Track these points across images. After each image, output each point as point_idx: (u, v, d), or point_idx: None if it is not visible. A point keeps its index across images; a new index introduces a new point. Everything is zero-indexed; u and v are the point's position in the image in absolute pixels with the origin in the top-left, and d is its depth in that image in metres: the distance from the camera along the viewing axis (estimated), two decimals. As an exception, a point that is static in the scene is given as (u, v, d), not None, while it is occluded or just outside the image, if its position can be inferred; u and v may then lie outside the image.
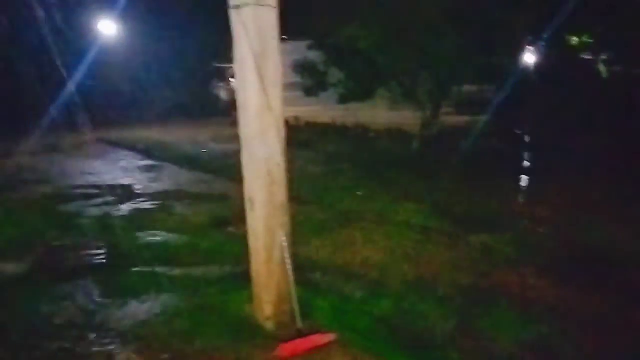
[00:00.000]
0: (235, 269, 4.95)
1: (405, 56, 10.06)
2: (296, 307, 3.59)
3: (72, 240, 6.04)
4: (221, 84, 24.84)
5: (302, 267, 3.72)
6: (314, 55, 13.52)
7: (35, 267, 5.16)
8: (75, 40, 16.38)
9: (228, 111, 21.69)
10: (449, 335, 3.79)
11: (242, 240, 5.69)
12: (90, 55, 15.82)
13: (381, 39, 9.80)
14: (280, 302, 3.67)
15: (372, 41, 9.96)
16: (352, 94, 12.78)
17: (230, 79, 23.08)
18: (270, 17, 3.28)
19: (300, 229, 3.88)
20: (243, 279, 4.37)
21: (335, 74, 13.08)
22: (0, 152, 12.45)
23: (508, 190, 8.50)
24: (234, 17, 3.25)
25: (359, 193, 8.13)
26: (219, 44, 21.47)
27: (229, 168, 11.05)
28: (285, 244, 3.61)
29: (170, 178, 10.32)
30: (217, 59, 21.70)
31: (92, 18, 17.11)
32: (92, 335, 3.77)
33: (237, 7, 3.17)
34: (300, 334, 3.54)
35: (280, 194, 3.59)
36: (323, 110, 17.22)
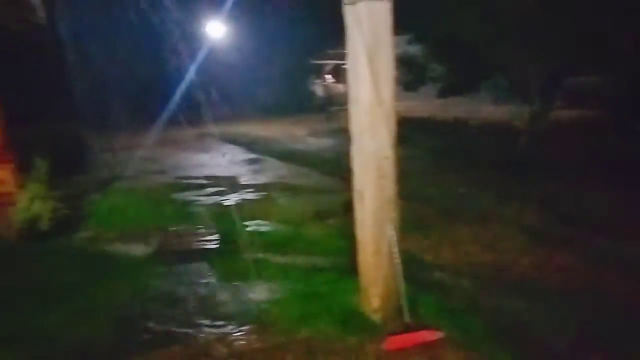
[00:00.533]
0: (338, 260, 5.05)
1: (514, 48, 9.48)
2: (404, 301, 3.59)
3: (187, 227, 6.55)
4: (317, 81, 25.36)
5: (405, 262, 3.69)
6: (414, 50, 13.30)
7: (157, 250, 5.68)
8: (188, 42, 17.66)
9: (323, 107, 22.18)
10: (568, 346, 3.55)
11: (343, 232, 5.86)
12: (201, 56, 16.93)
13: (489, 31, 9.34)
14: (388, 295, 3.69)
15: (478, 34, 9.53)
16: (452, 88, 12.37)
17: (326, 76, 23.48)
18: (383, 12, 3.30)
19: (403, 224, 3.85)
20: (347, 270, 4.47)
21: (435, 68, 12.75)
22: (128, 145, 13.86)
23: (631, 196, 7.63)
24: (348, 12, 3.32)
25: (461, 190, 7.87)
26: (316, 41, 21.97)
27: (325, 162, 11.33)
28: (393, 238, 3.62)
29: (272, 171, 10.78)
30: (313, 56, 22.16)
31: (202, 21, 18.29)
32: (206, 316, 4.06)
33: (352, 2, 3.23)
34: (408, 329, 3.53)
35: (389, 187, 3.60)
36: (421, 105, 16.86)
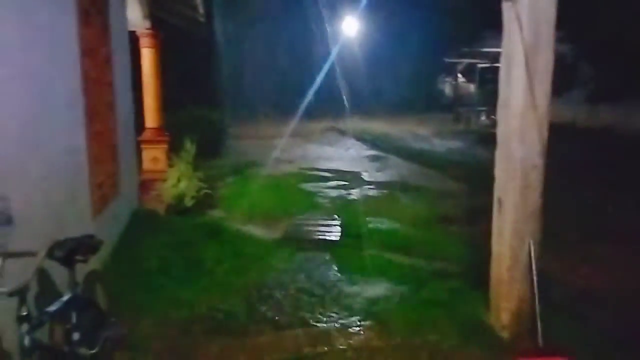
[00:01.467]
0: (462, 268, 4.85)
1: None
2: (538, 322, 3.31)
3: (311, 216, 6.76)
4: (447, 80, 24.52)
5: (542, 280, 3.40)
6: (562, 49, 12.16)
7: (283, 236, 5.94)
8: (323, 39, 18.21)
9: (452, 107, 21.38)
10: None
11: (468, 240, 5.60)
12: (334, 52, 17.34)
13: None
14: (520, 313, 3.44)
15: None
16: (604, 93, 11.04)
17: (459, 75, 22.56)
18: (547, 8, 3.04)
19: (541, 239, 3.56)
20: (473, 279, 4.27)
21: (586, 70, 11.50)
22: (262, 134, 14.75)
23: None
24: (507, 9, 3.12)
25: (609, 208, 7.04)
26: (450, 39, 21.21)
27: (451, 165, 10.91)
28: (533, 253, 3.35)
29: (395, 169, 10.68)
30: (446, 54, 21.41)
31: (338, 17, 18.69)
32: (327, 305, 4.15)
33: (513, -1, 3.03)
34: (539, 352, 3.26)
35: (534, 198, 3.33)
36: (565, 110, 15.38)
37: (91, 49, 4.08)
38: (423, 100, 23.22)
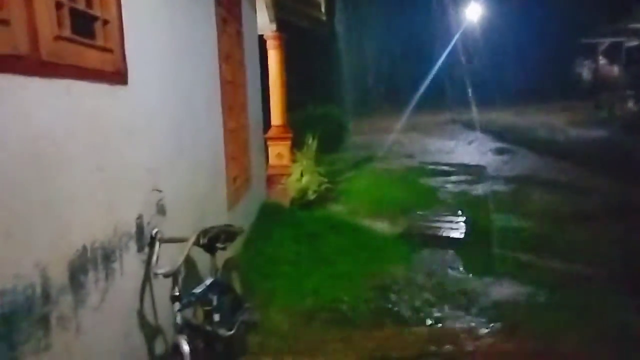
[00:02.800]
0: (605, 271, 4.38)
1: None
2: None
3: (433, 212, 6.59)
4: (586, 63, 22.07)
5: None
6: None
7: (404, 231, 5.87)
8: (445, 27, 17.59)
9: (592, 93, 19.20)
10: None
11: (612, 239, 5.02)
12: (456, 40, 16.68)
13: None
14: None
15: None
16: None
17: (600, 57, 20.20)
18: None
19: None
20: (617, 283, 3.86)
21: None
22: (380, 128, 14.77)
23: None
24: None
25: None
26: (588, 17, 19.06)
27: (590, 157, 9.83)
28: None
29: (524, 163, 9.95)
30: (584, 34, 19.25)
31: (461, 3, 17.92)
32: (452, 304, 4.00)
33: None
34: None
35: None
36: None
37: (228, 54, 4.42)
38: (557, 87, 21.20)
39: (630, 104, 16.12)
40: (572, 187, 7.66)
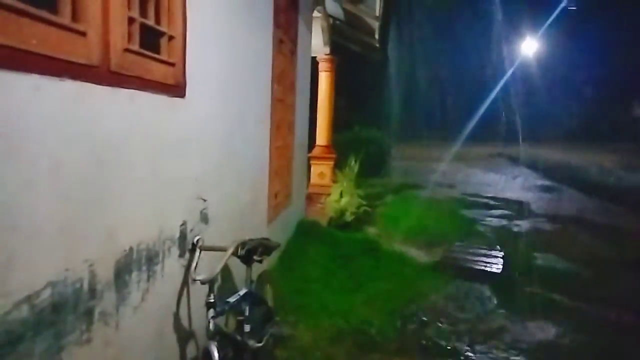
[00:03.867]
0: None
1: None
2: None
3: (471, 244, 6.45)
4: (643, 105, 21.24)
5: None
6: None
7: (440, 261, 5.78)
8: (498, 60, 17.43)
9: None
10: None
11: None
12: (509, 74, 16.48)
13: None
14: None
15: None
16: None
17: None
18: None
19: None
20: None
21: None
22: (423, 155, 14.66)
23: None
24: None
25: None
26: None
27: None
28: None
29: (570, 203, 9.62)
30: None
31: (517, 37, 17.74)
32: (485, 341, 3.89)
33: None
34: None
35: None
36: None
37: (281, 74, 4.57)
38: (610, 127, 20.46)
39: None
40: (620, 232, 7.33)
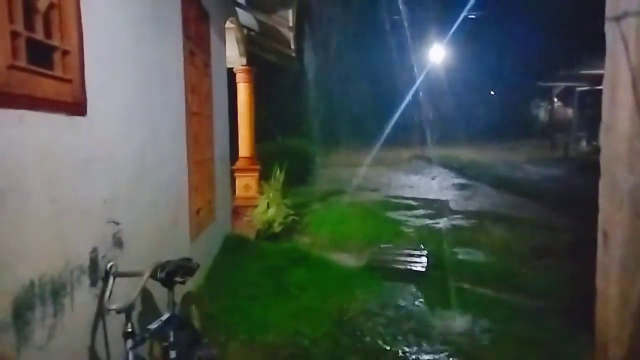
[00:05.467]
0: (560, 305, 4.51)
1: None
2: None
3: (396, 245, 6.65)
4: (542, 104, 23.24)
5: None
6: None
7: (367, 264, 5.89)
8: (409, 67, 18.26)
9: (547, 133, 20.16)
10: None
11: (566, 275, 5.18)
12: (420, 79, 17.29)
13: None
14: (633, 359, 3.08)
15: None
16: None
17: (555, 100, 21.32)
18: (659, 26, 2.80)
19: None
20: (572, 318, 3.96)
21: None
22: (346, 162, 14.93)
23: None
24: (611, 29, 2.92)
25: None
26: (544, 62, 20.19)
27: (546, 194, 10.22)
28: (647, 293, 3.01)
29: (484, 198, 10.24)
30: (541, 77, 20.37)
31: (425, 45, 18.69)
32: (413, 338, 4.01)
33: (617, 18, 2.83)
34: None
35: (646, 232, 3.01)
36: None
37: (194, 86, 4.44)
38: (515, 127, 22.20)
39: (583, 145, 16.99)
40: (528, 223, 7.91)
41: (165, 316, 2.60)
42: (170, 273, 2.53)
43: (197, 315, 3.24)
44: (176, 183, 3.87)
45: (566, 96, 20.15)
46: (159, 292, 2.82)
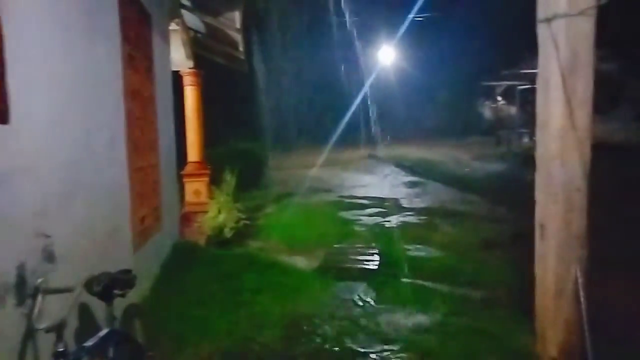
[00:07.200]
0: (507, 296, 4.67)
1: None
2: (590, 354, 3.10)
3: (349, 245, 6.69)
4: (487, 103, 24.16)
5: (592, 308, 3.19)
6: (607, 67, 11.77)
7: (320, 265, 5.89)
8: (358, 68, 18.47)
9: (492, 130, 20.96)
10: None
11: (512, 266, 5.38)
12: (370, 81, 17.53)
13: None
14: (568, 344, 3.24)
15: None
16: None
17: (498, 98, 22.20)
18: (585, 29, 2.96)
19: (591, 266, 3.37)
20: (518, 308, 4.10)
21: (634, 87, 11.05)
22: (299, 164, 14.91)
23: None
24: (543, 30, 3.06)
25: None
26: (488, 62, 20.99)
27: (493, 189, 10.61)
28: (580, 280, 3.17)
29: (434, 195, 10.49)
30: (485, 77, 21.17)
31: (374, 46, 18.97)
32: (366, 337, 4.03)
33: (548, 19, 2.97)
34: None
35: (579, 222, 3.17)
36: (612, 129, 14.78)
37: (135, 91, 4.28)
38: (462, 125, 22.94)
39: (526, 140, 17.78)
40: (476, 217, 8.18)
41: (104, 332, 2.48)
42: (107, 286, 2.41)
43: (141, 328, 3.11)
44: (115, 191, 3.71)
45: (509, 94, 21.05)
46: (99, 307, 2.68)
